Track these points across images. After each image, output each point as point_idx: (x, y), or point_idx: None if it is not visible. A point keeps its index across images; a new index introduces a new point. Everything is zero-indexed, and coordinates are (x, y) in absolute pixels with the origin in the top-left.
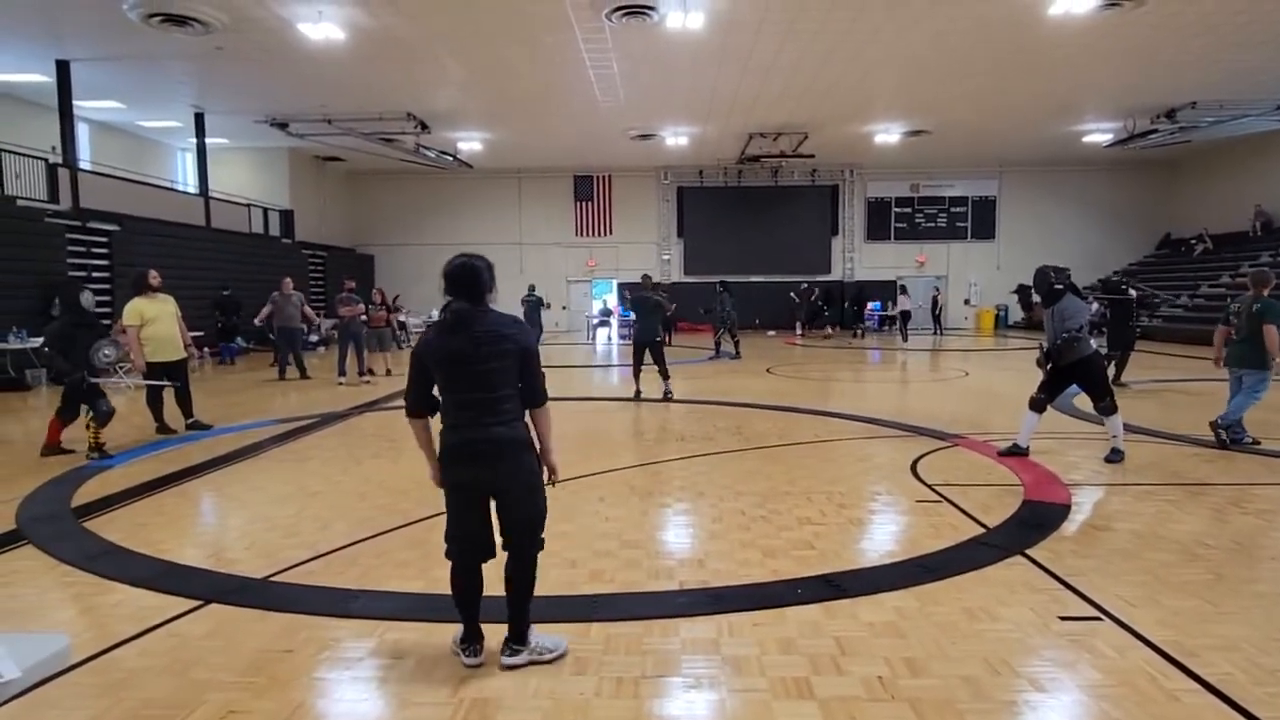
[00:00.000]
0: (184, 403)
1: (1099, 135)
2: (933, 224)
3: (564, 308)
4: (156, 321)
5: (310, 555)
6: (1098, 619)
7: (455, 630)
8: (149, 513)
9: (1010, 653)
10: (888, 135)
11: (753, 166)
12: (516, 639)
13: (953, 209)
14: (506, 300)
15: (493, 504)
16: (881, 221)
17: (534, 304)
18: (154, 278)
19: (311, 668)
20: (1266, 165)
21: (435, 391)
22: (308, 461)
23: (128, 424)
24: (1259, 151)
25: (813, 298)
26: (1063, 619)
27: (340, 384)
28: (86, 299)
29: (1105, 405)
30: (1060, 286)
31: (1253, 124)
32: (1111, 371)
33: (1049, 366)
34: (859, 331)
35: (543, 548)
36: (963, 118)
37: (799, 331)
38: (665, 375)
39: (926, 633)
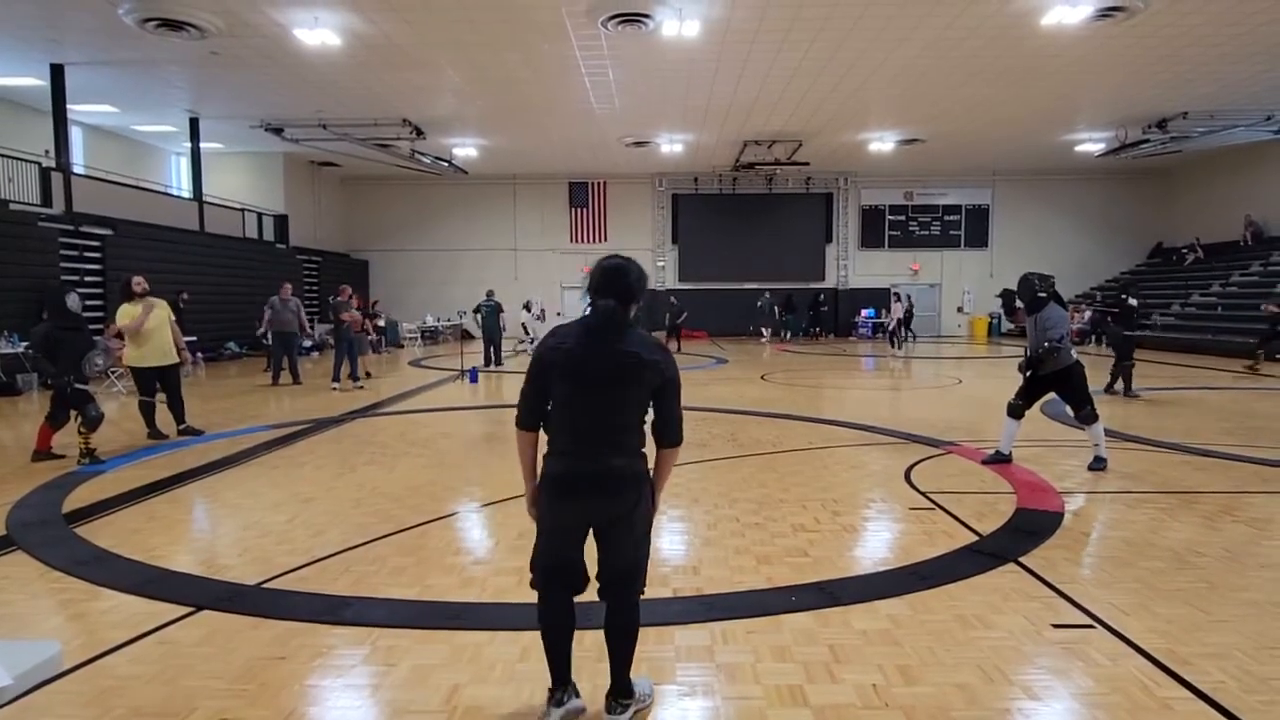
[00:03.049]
0: (176, 408)
1: (1091, 145)
2: (926, 232)
3: (558, 314)
4: (149, 326)
5: (303, 562)
6: (1090, 627)
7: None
8: (140, 519)
9: (1004, 660)
10: (882, 143)
11: (747, 174)
12: (624, 693)
13: (946, 217)
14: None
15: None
16: (875, 229)
17: (491, 310)
18: (137, 284)
19: (304, 675)
20: (1257, 175)
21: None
22: (301, 467)
23: (119, 429)
24: (1249, 161)
25: (759, 304)
26: (1056, 626)
27: (334, 389)
28: (73, 302)
29: (1086, 414)
30: (1044, 294)
31: (1243, 134)
32: (1120, 384)
33: (1028, 374)
34: (814, 334)
35: (644, 592)
36: (956, 127)
37: (765, 338)
38: None
39: (920, 640)
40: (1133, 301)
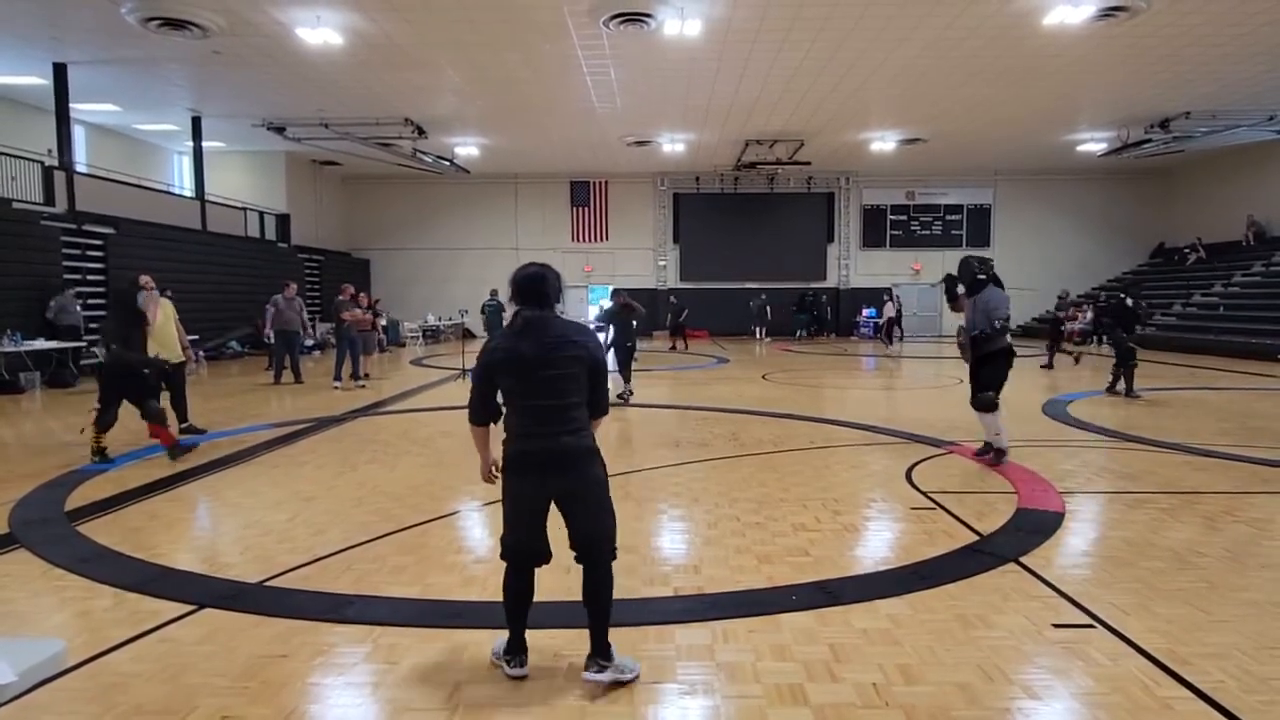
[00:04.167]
0: (179, 406)
1: (1093, 144)
2: (928, 232)
3: (561, 313)
4: (157, 323)
5: (305, 560)
6: (1091, 626)
7: (496, 640)
8: (143, 517)
9: (1004, 660)
10: (883, 143)
11: (749, 173)
12: (603, 654)
13: (948, 217)
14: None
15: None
16: (877, 229)
17: (495, 309)
18: (145, 282)
19: (306, 673)
20: (1259, 175)
21: (499, 401)
22: (302, 466)
23: (122, 428)
24: (1251, 162)
25: (752, 304)
26: (1056, 626)
27: (336, 388)
28: (141, 300)
29: (984, 398)
30: (983, 276)
31: (1245, 134)
32: (1122, 385)
33: (977, 355)
34: (815, 334)
35: (616, 558)
36: (958, 126)
37: (765, 338)
38: (626, 379)
39: (921, 640)
40: (1130, 302)
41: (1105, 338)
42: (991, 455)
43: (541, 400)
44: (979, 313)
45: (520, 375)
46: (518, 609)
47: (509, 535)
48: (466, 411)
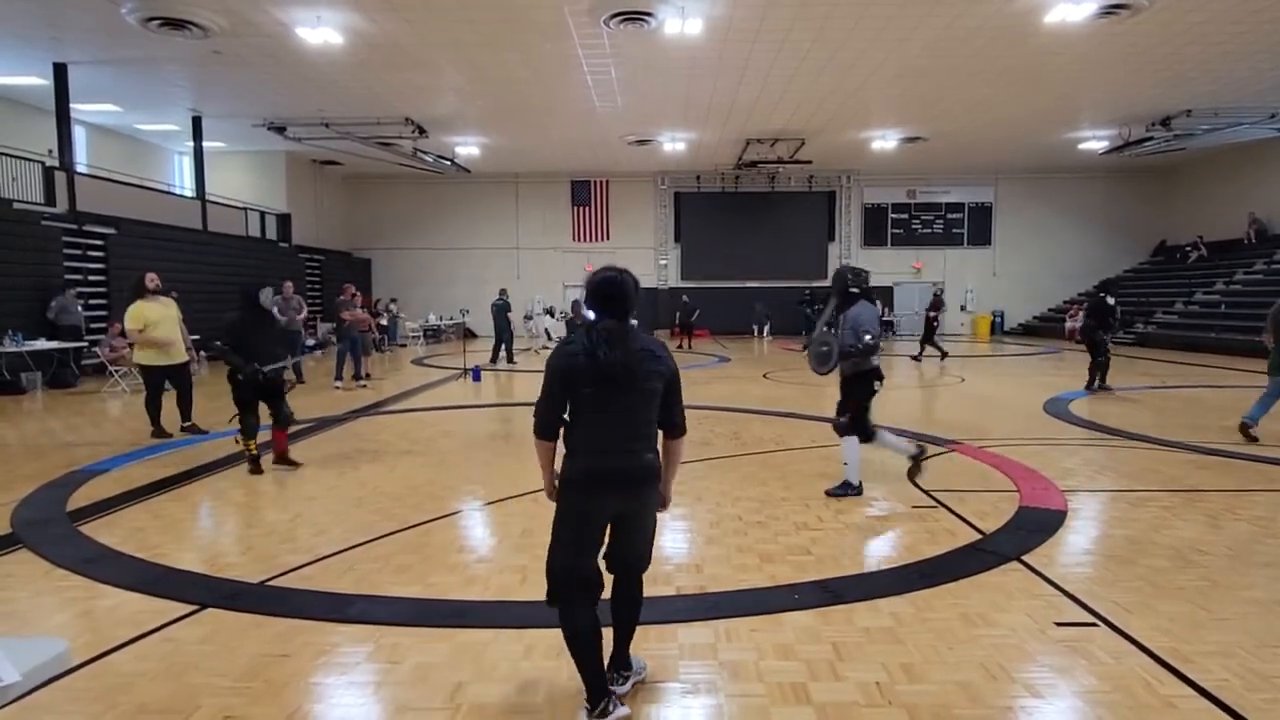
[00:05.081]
0: (183, 406)
1: (1094, 143)
2: (929, 230)
3: (561, 314)
4: (159, 325)
5: (307, 560)
6: (1094, 625)
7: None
8: (145, 517)
9: (1007, 658)
10: (884, 142)
11: (750, 172)
12: (625, 665)
13: (949, 215)
14: (482, 305)
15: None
16: (878, 227)
17: (499, 309)
18: (151, 281)
19: (308, 673)
20: (1261, 173)
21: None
22: (304, 466)
23: (123, 428)
24: (1253, 159)
25: (758, 308)
26: (1059, 625)
27: (337, 388)
28: (265, 297)
29: (842, 425)
30: (855, 290)
31: (1247, 132)
32: (1097, 381)
33: (846, 377)
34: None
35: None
36: (959, 125)
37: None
38: None
39: (923, 638)
40: (1110, 300)
41: (1081, 335)
42: (840, 487)
43: (621, 414)
44: (847, 329)
45: (600, 385)
46: (590, 646)
47: (564, 560)
48: (533, 423)
